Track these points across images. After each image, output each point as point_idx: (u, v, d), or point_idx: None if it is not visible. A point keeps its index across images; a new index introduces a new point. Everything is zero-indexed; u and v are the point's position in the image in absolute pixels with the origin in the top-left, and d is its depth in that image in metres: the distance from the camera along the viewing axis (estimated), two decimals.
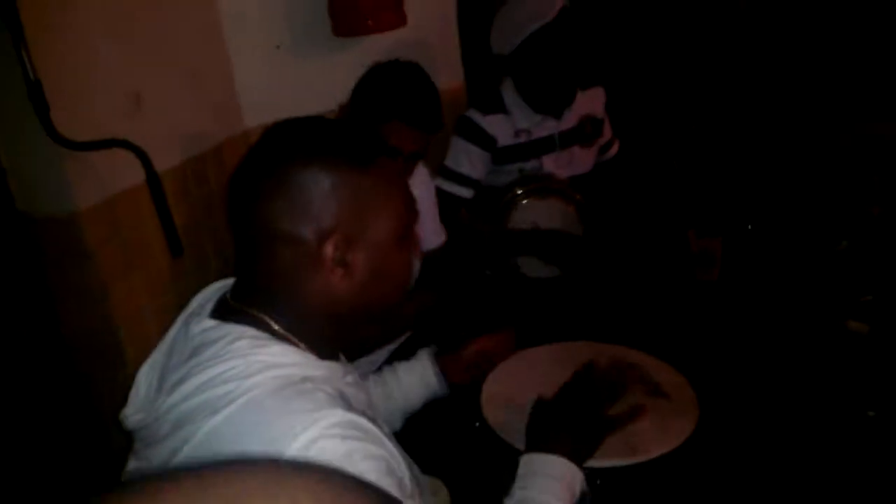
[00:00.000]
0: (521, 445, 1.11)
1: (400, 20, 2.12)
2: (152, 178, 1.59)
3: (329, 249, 0.78)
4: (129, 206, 1.64)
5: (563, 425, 1.01)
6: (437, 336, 1.44)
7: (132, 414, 0.83)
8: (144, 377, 0.85)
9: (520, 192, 1.93)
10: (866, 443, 1.17)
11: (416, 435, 1.21)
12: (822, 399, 1.27)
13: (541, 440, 1.00)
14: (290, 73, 2.21)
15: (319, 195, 0.77)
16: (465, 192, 2.07)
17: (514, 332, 1.41)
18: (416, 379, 1.27)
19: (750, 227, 1.71)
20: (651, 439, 1.08)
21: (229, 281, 0.90)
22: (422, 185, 1.78)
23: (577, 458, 0.97)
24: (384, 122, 1.51)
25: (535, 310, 1.73)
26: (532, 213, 1.93)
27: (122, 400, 0.87)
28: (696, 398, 1.19)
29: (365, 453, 0.71)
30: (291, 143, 0.80)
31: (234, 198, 0.82)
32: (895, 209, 1.66)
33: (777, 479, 1.11)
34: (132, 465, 0.84)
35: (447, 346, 1.34)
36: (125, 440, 0.88)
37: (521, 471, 0.97)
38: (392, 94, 1.53)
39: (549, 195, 1.94)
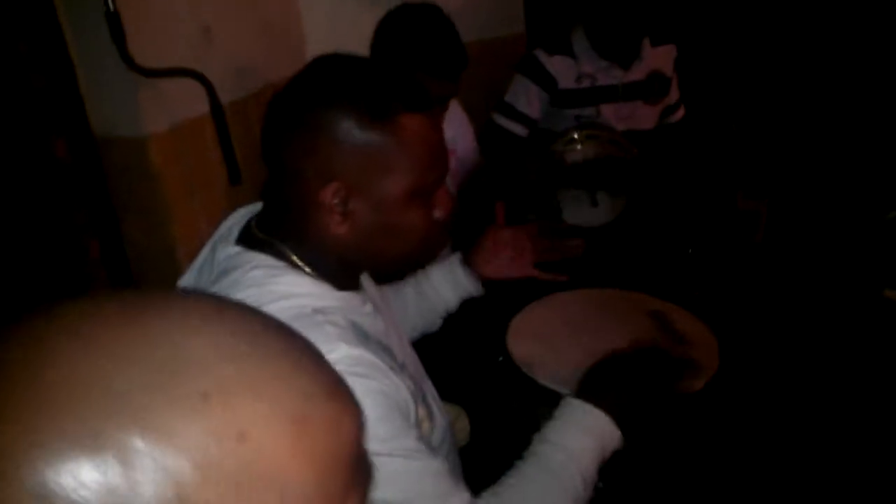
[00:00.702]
0: (543, 381, 1.16)
1: None
2: (216, 108, 1.68)
3: (328, 195, 0.79)
4: (194, 133, 1.74)
5: (624, 386, 0.97)
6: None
7: None
8: None
9: (575, 135, 1.90)
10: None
11: (441, 363, 1.24)
12: (857, 366, 1.27)
13: (597, 392, 0.95)
14: (357, 18, 2.25)
15: (330, 140, 0.78)
16: (520, 130, 2.07)
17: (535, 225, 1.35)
18: (447, 279, 1.25)
19: (797, 192, 1.69)
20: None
21: (257, 206, 0.92)
22: (455, 121, 1.79)
23: (622, 421, 0.93)
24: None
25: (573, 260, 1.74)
26: (584, 157, 1.92)
27: None
28: (718, 347, 1.20)
29: (366, 388, 0.74)
30: (320, 84, 0.82)
31: (265, 128, 0.85)
32: None
33: (804, 453, 1.12)
34: None
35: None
36: None
37: (564, 414, 0.93)
38: (410, 48, 1.50)
39: (606, 144, 1.93)
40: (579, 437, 0.90)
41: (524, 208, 1.99)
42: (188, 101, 1.70)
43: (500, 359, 1.26)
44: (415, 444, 0.79)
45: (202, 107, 1.72)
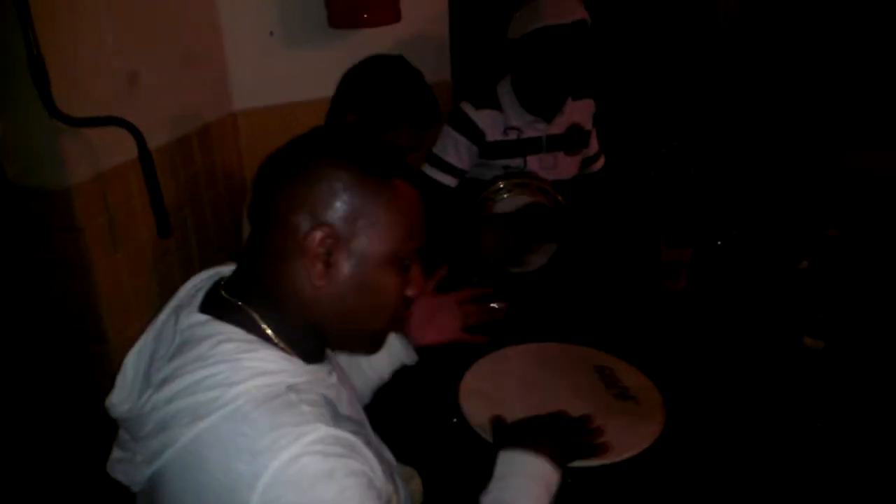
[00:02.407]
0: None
1: (395, 16, 2.17)
2: (145, 156, 1.61)
3: (316, 237, 0.79)
4: (118, 183, 1.66)
5: (543, 430, 1.05)
6: None
7: (119, 403, 0.84)
8: (132, 363, 0.86)
9: (502, 184, 1.96)
10: (815, 449, 1.26)
11: (393, 426, 1.24)
12: (778, 408, 1.35)
13: (521, 439, 1.03)
14: (282, 61, 2.24)
15: (327, 191, 0.79)
16: (449, 181, 2.10)
17: (446, 269, 1.39)
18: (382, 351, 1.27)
19: (720, 242, 1.79)
20: (620, 441, 1.15)
21: (222, 269, 0.91)
22: None
23: (556, 458, 1.00)
24: (392, 127, 1.53)
25: (512, 306, 1.78)
26: (512, 205, 1.97)
27: (103, 376, 0.88)
28: (663, 402, 1.26)
29: (347, 470, 0.74)
30: (321, 141, 0.83)
31: (258, 182, 0.85)
32: (852, 233, 1.76)
33: (735, 481, 1.19)
34: (117, 454, 0.85)
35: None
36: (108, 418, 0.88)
37: (499, 469, 0.99)
38: (395, 98, 1.54)
39: (534, 192, 1.99)
40: (529, 485, 0.95)
41: (468, 271, 2.01)
42: (112, 148, 1.63)
43: (455, 420, 1.26)
44: None
45: (127, 153, 1.65)
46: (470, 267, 1.89)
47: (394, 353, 1.26)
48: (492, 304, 1.42)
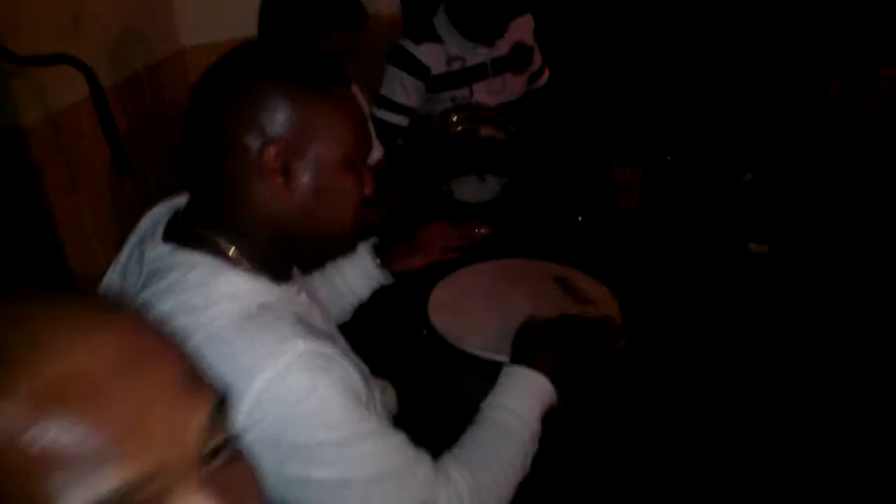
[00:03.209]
0: (471, 350, 1.24)
1: None
2: (98, 94, 1.58)
3: (271, 153, 0.80)
4: (71, 123, 1.65)
5: (552, 348, 1.09)
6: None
7: None
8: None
9: (454, 118, 1.99)
10: (762, 350, 1.36)
11: (366, 340, 1.30)
12: (725, 308, 1.45)
13: (530, 355, 1.07)
14: None
15: (271, 108, 0.80)
16: (401, 120, 2.12)
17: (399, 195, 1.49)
18: (358, 271, 1.33)
19: (668, 157, 1.86)
20: None
21: (178, 199, 0.92)
22: (360, 100, 1.83)
23: (553, 376, 1.06)
24: (325, 34, 1.55)
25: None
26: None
27: None
28: (619, 305, 1.34)
29: (328, 381, 0.77)
30: (255, 62, 0.84)
31: (194, 109, 0.84)
32: (794, 144, 1.85)
33: (693, 392, 1.28)
34: None
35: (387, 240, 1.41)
36: None
37: (502, 379, 1.05)
38: (320, 6, 1.55)
39: (483, 123, 2.03)
40: (524, 398, 1.01)
41: (417, 194, 2.05)
42: (63, 89, 1.61)
43: (425, 332, 1.33)
44: (377, 424, 0.82)
45: (78, 93, 1.63)
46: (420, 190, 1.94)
47: (371, 275, 1.32)
48: (478, 230, 1.47)
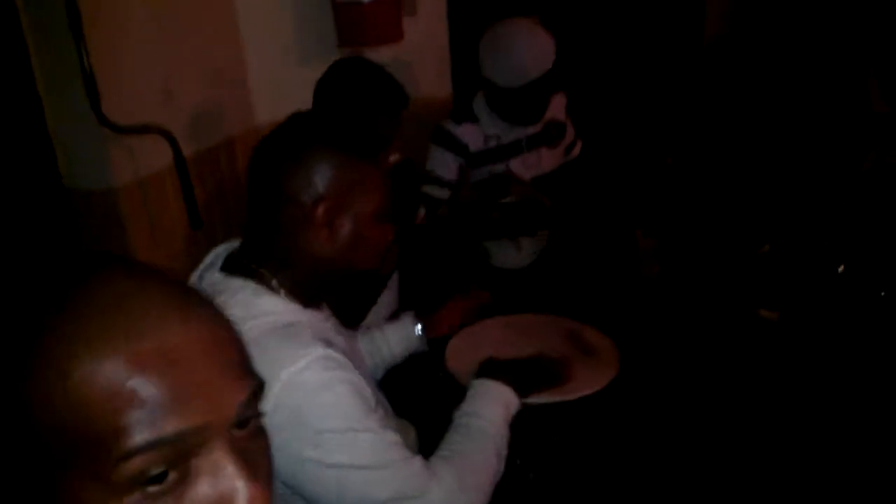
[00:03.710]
0: None
1: (398, 34, 2.40)
2: (180, 160, 1.85)
3: (321, 209, 1.00)
4: (157, 186, 1.91)
5: (508, 369, 1.28)
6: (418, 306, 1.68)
7: None
8: None
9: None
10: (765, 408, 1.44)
11: (390, 383, 1.46)
12: (734, 369, 1.54)
13: (494, 372, 1.25)
14: (299, 78, 2.46)
15: (323, 171, 1.02)
16: (443, 194, 2.30)
17: (486, 294, 1.66)
18: (400, 337, 1.50)
19: (687, 229, 1.98)
20: (579, 384, 1.36)
21: (233, 243, 1.12)
22: None
23: (516, 386, 1.23)
24: (367, 118, 1.74)
25: (502, 298, 1.97)
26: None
27: None
28: (619, 356, 1.46)
29: (340, 379, 0.95)
30: (314, 130, 1.05)
31: (258, 166, 1.05)
32: (811, 219, 1.95)
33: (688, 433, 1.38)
34: None
35: (425, 310, 1.59)
36: None
37: (470, 391, 1.22)
38: (360, 92, 1.75)
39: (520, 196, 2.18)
40: (490, 404, 1.17)
41: (454, 257, 2.22)
42: (151, 155, 1.87)
43: (441, 374, 1.47)
44: (378, 422, 0.99)
45: (164, 160, 1.90)
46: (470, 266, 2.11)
47: (411, 340, 1.51)
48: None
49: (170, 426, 0.45)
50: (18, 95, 1.67)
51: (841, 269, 1.75)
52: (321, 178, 1.02)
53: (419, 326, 1.51)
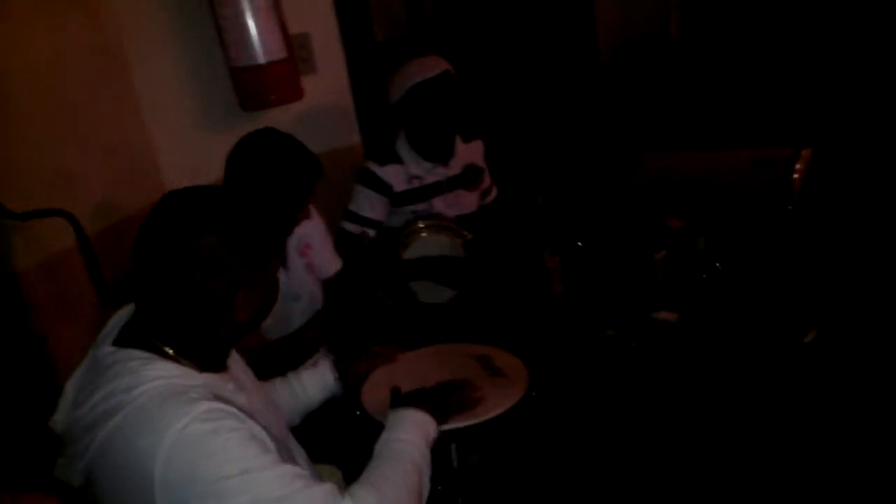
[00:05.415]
0: None
1: (297, 94, 2.47)
2: (83, 238, 1.86)
3: (240, 299, 1.08)
4: (64, 265, 1.91)
5: (424, 397, 1.35)
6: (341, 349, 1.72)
7: (60, 421, 1.10)
8: (71, 388, 1.12)
9: (421, 225, 2.26)
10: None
11: (309, 430, 1.49)
12: (637, 372, 1.63)
13: (409, 402, 1.32)
14: (204, 145, 2.50)
15: (212, 258, 1.05)
16: (369, 233, 2.38)
17: (400, 348, 1.71)
18: (317, 382, 1.56)
19: (580, 244, 2.08)
20: (490, 405, 1.41)
21: (124, 313, 1.16)
22: (316, 220, 2.10)
23: (433, 412, 1.28)
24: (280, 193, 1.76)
25: (428, 331, 2.03)
26: (426, 245, 2.26)
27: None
28: (528, 375, 1.52)
29: (228, 427, 0.98)
30: (198, 216, 1.06)
31: (142, 252, 1.08)
32: (694, 225, 2.08)
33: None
34: (60, 460, 1.09)
35: (346, 356, 1.64)
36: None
37: (388, 422, 1.27)
38: (271, 171, 1.75)
39: (442, 231, 2.28)
40: (407, 428, 1.22)
41: (377, 292, 2.28)
42: (57, 236, 1.88)
43: (358, 413, 1.51)
44: (275, 460, 1.01)
45: (70, 239, 1.90)
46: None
47: (327, 385, 1.57)
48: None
49: None
50: None
51: (718, 265, 1.87)
52: (232, 269, 1.06)
53: (335, 376, 1.57)
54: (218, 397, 1.04)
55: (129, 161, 2.32)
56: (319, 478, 1.20)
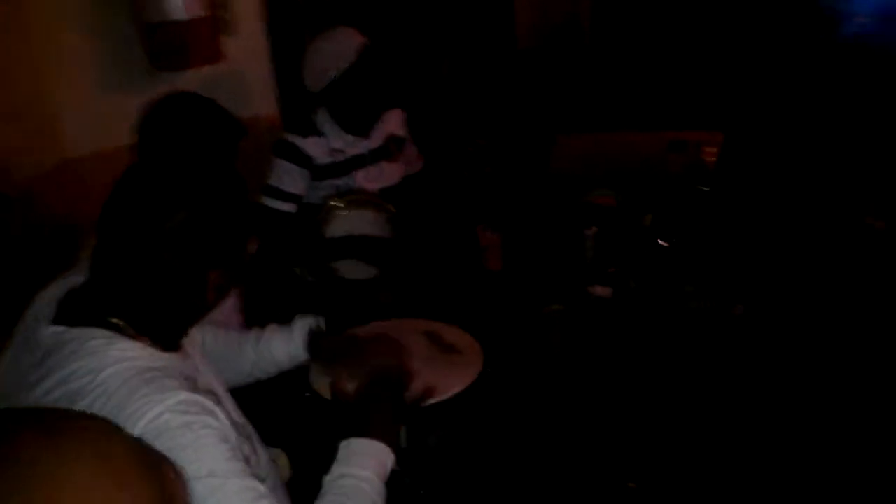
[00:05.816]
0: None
1: (215, 56, 2.33)
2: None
3: (214, 279, 1.02)
4: None
5: (373, 414, 1.17)
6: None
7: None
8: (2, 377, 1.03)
9: (338, 203, 2.18)
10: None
11: (256, 411, 1.41)
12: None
13: (357, 428, 1.13)
14: (112, 107, 2.32)
15: (207, 241, 1.00)
16: (288, 207, 2.28)
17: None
18: (284, 348, 1.44)
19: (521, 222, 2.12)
20: (446, 383, 1.40)
21: (69, 279, 1.06)
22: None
23: (388, 440, 1.12)
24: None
25: (354, 306, 1.99)
26: (348, 221, 2.20)
27: None
28: (482, 350, 1.52)
29: (202, 424, 0.91)
30: (172, 190, 0.99)
31: (112, 226, 0.99)
32: (631, 203, 2.14)
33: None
34: None
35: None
36: None
37: (340, 454, 1.10)
38: (190, 134, 1.65)
39: (364, 206, 2.22)
40: (360, 462, 1.08)
41: (295, 264, 2.21)
42: None
43: (307, 395, 1.46)
44: (241, 467, 0.94)
45: None
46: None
47: (293, 355, 1.44)
48: None
49: None
50: None
51: (661, 242, 1.94)
52: (194, 244, 0.99)
53: (307, 343, 1.45)
54: (188, 378, 0.99)
55: (27, 123, 2.11)
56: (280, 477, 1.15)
